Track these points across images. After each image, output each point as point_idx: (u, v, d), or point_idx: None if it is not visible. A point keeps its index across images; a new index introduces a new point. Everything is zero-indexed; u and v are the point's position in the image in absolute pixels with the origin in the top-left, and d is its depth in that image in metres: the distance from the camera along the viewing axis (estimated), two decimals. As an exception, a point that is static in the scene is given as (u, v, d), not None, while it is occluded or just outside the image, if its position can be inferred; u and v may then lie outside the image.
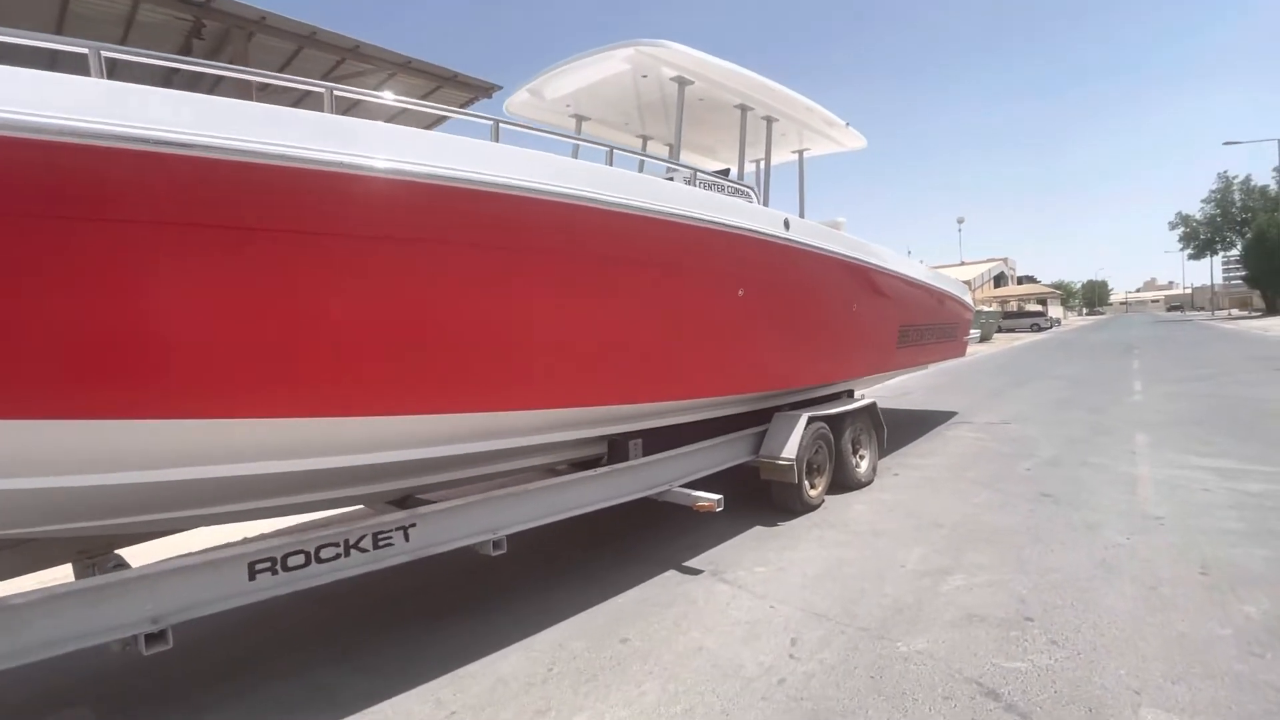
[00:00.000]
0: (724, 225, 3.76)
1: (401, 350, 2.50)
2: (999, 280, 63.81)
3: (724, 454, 4.47)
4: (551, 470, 3.91)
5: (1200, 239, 54.99)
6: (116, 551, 2.71)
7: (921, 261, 8.56)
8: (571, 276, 3.01)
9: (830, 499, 5.07)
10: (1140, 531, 3.99)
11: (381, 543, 2.64)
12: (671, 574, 3.69)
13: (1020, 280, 70.16)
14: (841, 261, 5.04)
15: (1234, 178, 53.37)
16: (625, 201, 3.17)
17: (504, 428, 3.04)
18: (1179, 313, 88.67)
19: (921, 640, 2.76)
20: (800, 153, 6.66)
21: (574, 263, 3.02)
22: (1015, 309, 48.43)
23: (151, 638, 2.10)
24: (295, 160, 2.12)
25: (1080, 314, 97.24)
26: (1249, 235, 48.50)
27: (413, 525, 2.75)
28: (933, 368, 10.86)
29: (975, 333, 9.60)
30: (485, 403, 2.84)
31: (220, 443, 2.23)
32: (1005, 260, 70.13)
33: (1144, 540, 3.85)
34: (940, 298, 7.40)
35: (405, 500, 3.25)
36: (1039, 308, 51.35)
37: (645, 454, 4.10)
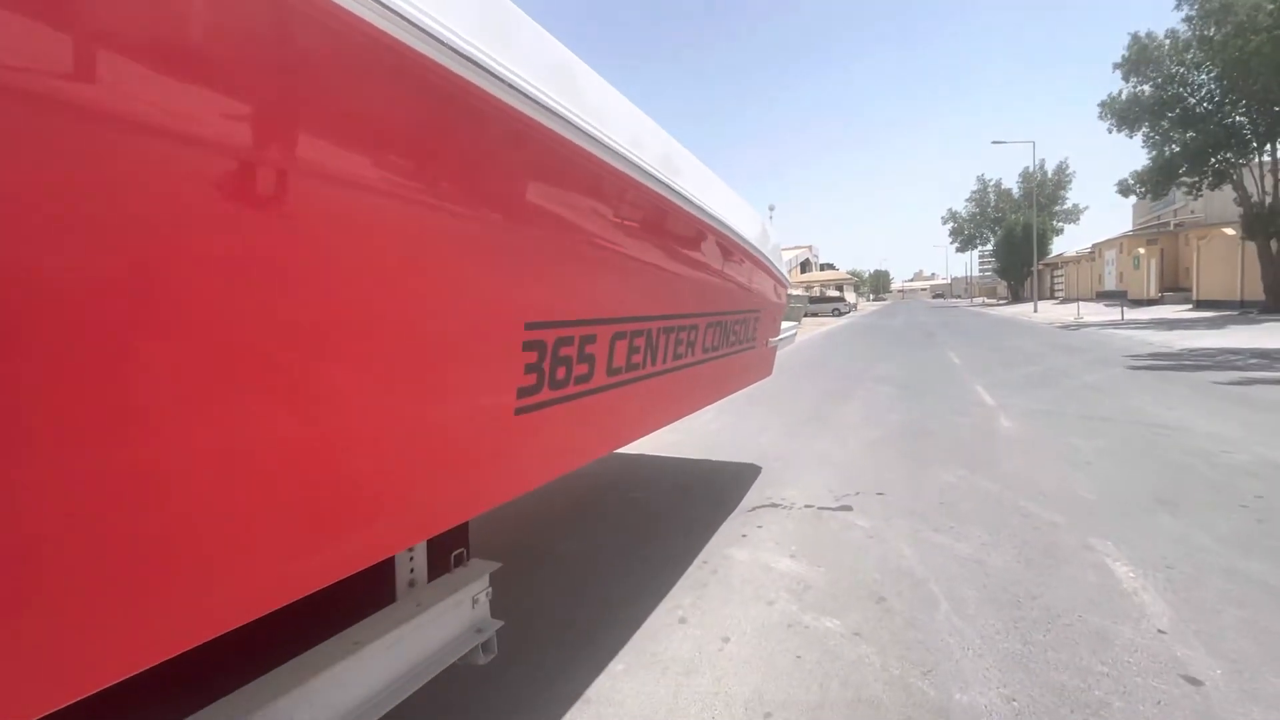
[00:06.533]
0: None
1: None
2: (804, 266, 66.65)
3: None
4: None
5: (964, 234, 61.80)
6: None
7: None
8: None
9: None
10: None
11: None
12: None
13: (822, 267, 74.53)
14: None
15: (989, 180, 60.60)
16: None
17: None
18: (942, 299, 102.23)
19: None
20: None
21: None
22: (819, 294, 49.80)
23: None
24: None
25: (869, 299, 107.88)
26: (1000, 233, 55.11)
27: None
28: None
29: (791, 328, 5.52)
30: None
31: None
32: (810, 248, 73.82)
33: None
34: (728, 250, 2.95)
35: None
36: (838, 293, 53.72)
37: None
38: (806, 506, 4.20)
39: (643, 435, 2.70)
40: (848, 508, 4.14)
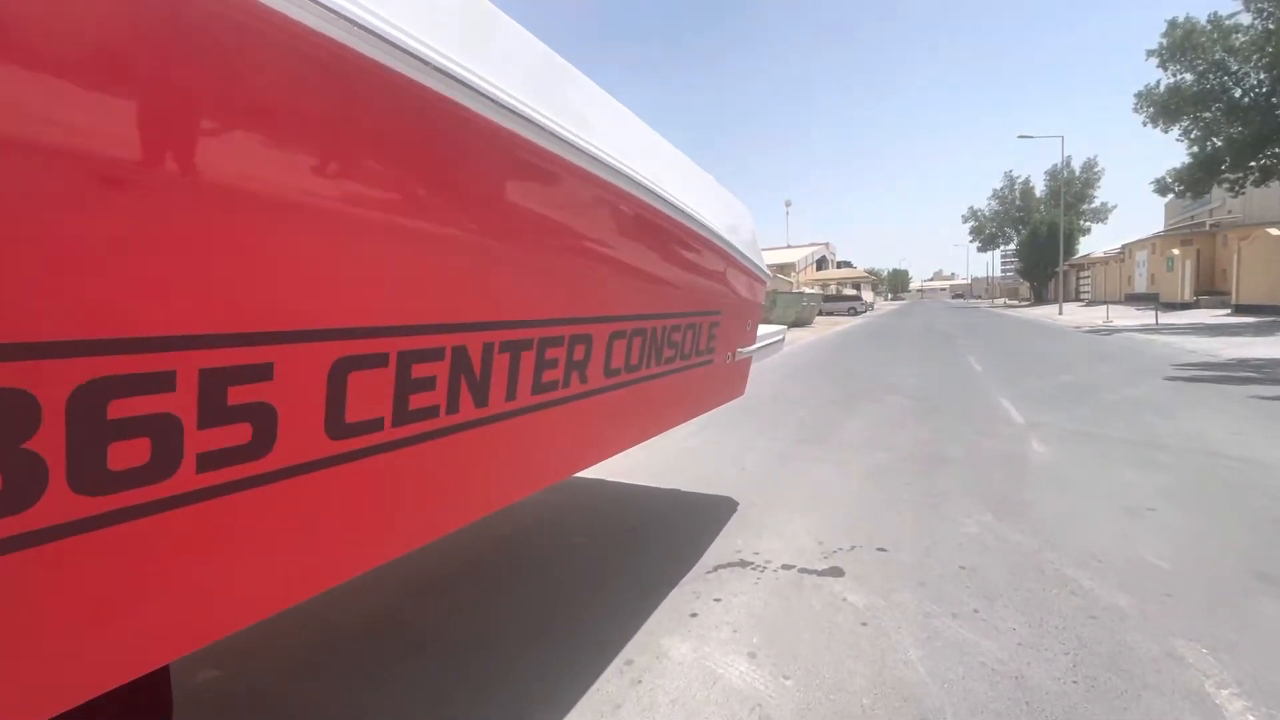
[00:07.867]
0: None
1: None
2: (821, 264, 65.07)
3: None
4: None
5: (986, 233, 59.85)
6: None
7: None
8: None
9: None
10: None
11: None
12: None
13: (839, 265, 72.86)
14: None
15: (1016, 177, 58.63)
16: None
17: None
18: (962, 300, 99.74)
19: None
20: None
21: None
22: (834, 292, 48.40)
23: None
24: None
25: (886, 299, 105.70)
26: (1024, 231, 53.22)
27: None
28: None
29: (777, 333, 4.53)
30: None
31: None
32: (827, 245, 72.13)
33: None
34: (652, 223, 2.00)
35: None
36: (854, 292, 52.20)
37: None
38: (784, 567, 3.23)
39: (454, 528, 1.70)
40: (838, 571, 3.17)
